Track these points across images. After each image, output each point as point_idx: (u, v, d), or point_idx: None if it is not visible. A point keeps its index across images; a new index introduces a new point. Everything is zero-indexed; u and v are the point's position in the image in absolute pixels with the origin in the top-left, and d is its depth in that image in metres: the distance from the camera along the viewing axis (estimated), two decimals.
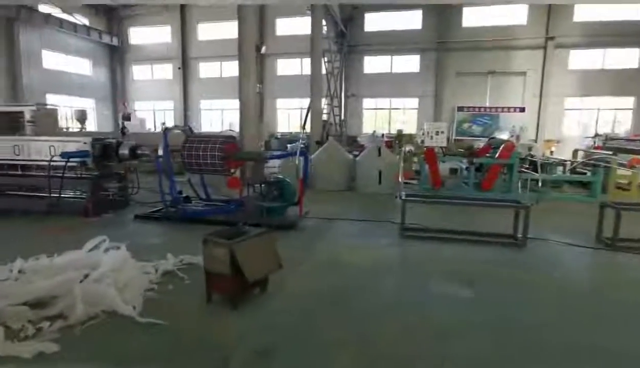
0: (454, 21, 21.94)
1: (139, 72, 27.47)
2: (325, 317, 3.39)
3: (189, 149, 6.20)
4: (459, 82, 22.36)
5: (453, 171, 10.54)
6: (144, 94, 27.42)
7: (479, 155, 9.76)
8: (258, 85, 9.72)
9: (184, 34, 25.82)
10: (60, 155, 6.32)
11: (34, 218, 6.49)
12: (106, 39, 25.62)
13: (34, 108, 10.48)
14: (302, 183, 6.13)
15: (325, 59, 20.47)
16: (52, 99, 22.72)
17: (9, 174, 7.14)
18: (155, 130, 21.97)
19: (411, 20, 22.56)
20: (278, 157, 6.73)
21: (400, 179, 7.70)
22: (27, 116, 10.22)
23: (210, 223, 5.91)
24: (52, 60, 23.05)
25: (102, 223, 6.34)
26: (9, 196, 7.24)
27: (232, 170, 6.31)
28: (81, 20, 23.88)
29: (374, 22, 23.19)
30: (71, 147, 6.63)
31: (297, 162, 6.01)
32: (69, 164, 6.47)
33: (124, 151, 6.74)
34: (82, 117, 20.26)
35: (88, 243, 4.24)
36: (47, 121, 10.64)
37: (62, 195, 6.55)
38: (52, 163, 6.58)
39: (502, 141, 9.85)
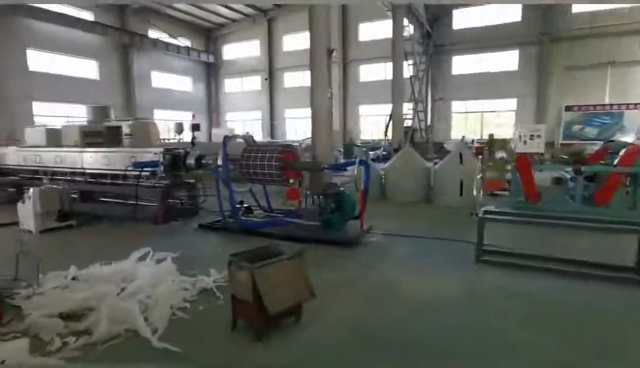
0: (560, 8, 19.23)
1: (230, 85, 29.44)
2: (364, 358, 2.81)
3: (247, 158, 6.07)
4: (567, 78, 19.51)
5: (557, 181, 8.92)
6: (235, 105, 29.26)
7: (589, 162, 8.08)
8: (330, 90, 9.40)
9: (271, 46, 26.94)
10: (133, 165, 6.68)
11: (115, 224, 6.96)
12: (204, 57, 27.94)
13: (130, 122, 11.62)
14: (362, 195, 5.57)
15: (409, 62, 19.50)
16: (158, 114, 25.44)
17: (100, 182, 7.81)
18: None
19: (508, 12, 20.40)
20: (337, 167, 6.27)
21: (476, 191, 6.63)
22: (125, 130, 11.38)
23: (267, 236, 5.73)
24: (159, 79, 25.84)
25: (168, 230, 6.53)
26: (101, 202, 7.97)
27: (291, 181, 6.00)
28: (184, 42, 26.40)
29: (464, 18, 21.51)
30: (147, 158, 6.99)
31: (355, 171, 5.48)
32: (143, 173, 6.85)
33: (190, 161, 6.91)
34: (179, 129, 22.15)
35: (134, 254, 4.25)
36: (142, 133, 11.77)
37: (138, 203, 6.97)
38: (130, 173, 7.08)
39: (624, 144, 8.01)
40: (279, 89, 27.48)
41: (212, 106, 29.74)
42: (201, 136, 27.22)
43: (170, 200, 7.06)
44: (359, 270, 4.64)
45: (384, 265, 4.81)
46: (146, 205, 7.22)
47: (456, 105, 22.72)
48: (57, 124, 13.95)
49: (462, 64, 21.96)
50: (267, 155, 5.91)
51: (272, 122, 27.90)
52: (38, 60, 19.49)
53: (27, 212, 6.43)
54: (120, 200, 7.66)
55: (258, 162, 5.97)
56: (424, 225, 6.73)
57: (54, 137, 11.48)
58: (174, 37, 25.51)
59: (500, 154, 11.21)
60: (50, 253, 5.46)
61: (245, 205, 6.96)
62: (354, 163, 5.55)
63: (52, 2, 19.46)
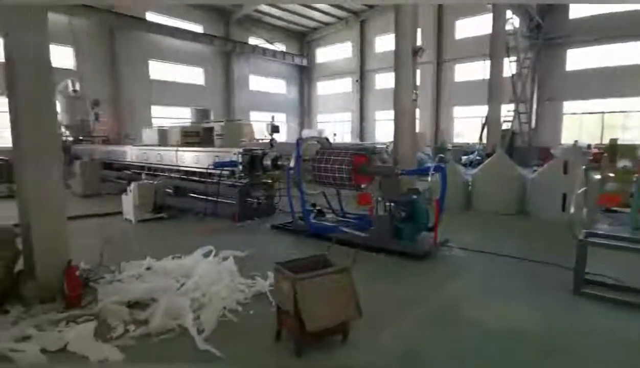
0: None
1: (322, 88, 30.02)
2: None
3: (318, 161, 5.98)
4: None
5: None
6: (325, 106, 29.76)
7: None
8: (415, 92, 8.91)
9: (363, 48, 26.79)
10: (213, 165, 7.05)
11: (199, 218, 7.45)
12: (297, 61, 28.92)
13: (222, 124, 12.45)
14: (438, 205, 5.07)
15: (512, 59, 17.69)
16: (254, 115, 27.04)
17: (189, 179, 8.45)
18: (334, 141, 23.44)
19: None
20: (412, 173, 5.81)
21: (574, 208, 5.57)
22: (217, 130, 12.23)
23: (339, 243, 5.60)
24: (256, 83, 27.48)
25: (243, 229, 6.76)
26: (191, 198, 8.61)
27: (363, 186, 5.76)
28: (279, 47, 27.67)
29: (584, 6, 18.74)
30: (228, 158, 7.35)
31: (429, 179, 5.00)
32: (225, 172, 7.21)
33: (267, 162, 7.06)
34: (274, 129, 23.33)
35: (198, 251, 4.42)
36: (232, 134, 12.55)
37: (219, 200, 7.36)
38: (214, 171, 7.51)
39: None
40: (369, 91, 27.21)
41: (304, 108, 30.68)
42: (291, 137, 28.27)
43: (249, 199, 7.29)
44: (425, 287, 4.21)
45: (455, 284, 4.30)
46: (227, 202, 7.58)
47: (568, 106, 19.95)
48: (167, 124, 15.69)
49: (579, 59, 19.18)
50: (339, 158, 5.75)
51: (362, 123, 27.73)
52: (156, 69, 22.15)
53: (128, 203, 7.21)
54: (206, 197, 8.16)
55: (329, 165, 5.84)
56: (513, 242, 5.91)
57: (163, 137, 12.91)
58: (271, 43, 26.89)
59: (623, 163, 9.43)
60: (141, 241, 6.03)
61: (317, 208, 6.89)
62: (427, 169, 5.07)
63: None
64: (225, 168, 7.11)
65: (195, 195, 8.46)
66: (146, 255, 4.75)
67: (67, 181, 11.52)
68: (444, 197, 5.18)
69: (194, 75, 23.95)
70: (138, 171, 10.41)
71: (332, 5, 25.00)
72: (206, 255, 4.53)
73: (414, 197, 5.26)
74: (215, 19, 24.25)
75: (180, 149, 9.03)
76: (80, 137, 14.38)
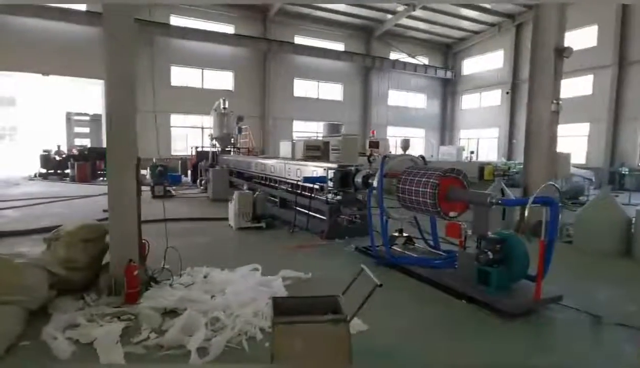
0: None
1: (467, 101, 27.71)
2: None
3: (403, 181, 5.28)
4: None
5: None
6: (469, 122, 27.33)
7: None
8: (556, 102, 7.36)
9: (517, 55, 23.73)
10: (302, 180, 7.00)
11: (289, 231, 7.50)
12: (440, 73, 27.44)
13: (339, 138, 12.53)
14: (543, 247, 3.84)
15: None
16: (391, 130, 26.73)
17: (293, 191, 8.64)
18: (472, 159, 21.31)
19: None
20: (512, 203, 4.51)
21: None
22: (333, 145, 12.36)
23: (417, 277, 4.90)
24: (395, 97, 27.13)
25: (327, 248, 6.48)
26: (293, 210, 8.81)
27: (451, 214, 4.84)
28: (421, 61, 26.76)
29: None
30: (318, 173, 7.24)
31: (526, 212, 3.82)
32: (320, 188, 7.11)
33: (358, 179, 6.65)
34: (405, 145, 22.53)
35: (240, 269, 4.34)
36: (349, 148, 12.50)
37: (310, 215, 7.33)
38: (312, 186, 7.52)
39: None
40: (522, 103, 23.80)
41: (446, 123, 28.83)
42: (429, 153, 26.80)
43: (342, 217, 7.03)
44: (503, 359, 3.18)
45: (548, 363, 3.12)
46: (321, 218, 7.47)
47: None
48: (304, 138, 16.79)
49: None
50: (423, 180, 4.96)
51: (511, 140, 24.44)
52: (299, 87, 24.00)
53: (231, 211, 7.77)
54: (304, 211, 8.21)
55: (413, 187, 5.10)
56: None
57: (293, 150, 13.79)
58: (413, 57, 26.19)
59: None
60: (226, 248, 6.36)
61: (405, 234, 6.13)
62: (534, 201, 3.88)
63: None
64: (314, 183, 6.99)
65: (298, 209, 8.63)
66: (219, 263, 5.02)
67: (204, 187, 13.32)
68: (553, 237, 3.90)
69: (333, 91, 25.09)
70: (258, 181, 11.25)
71: (484, 12, 22.90)
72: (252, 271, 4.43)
73: (509, 233, 4.11)
74: (357, 36, 24.95)
75: (288, 162, 9.33)
76: (227, 148, 16.48)
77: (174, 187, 14.28)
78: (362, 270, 2.73)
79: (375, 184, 5.68)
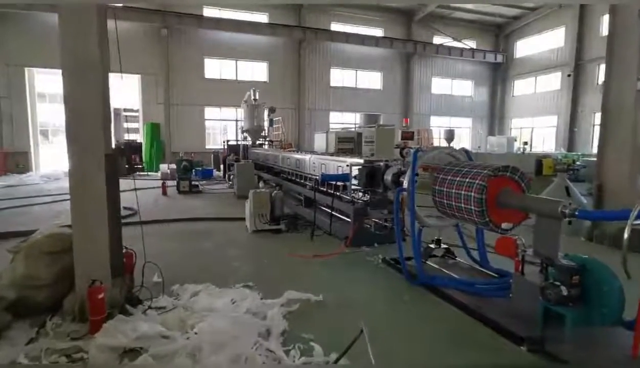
0: None
1: (520, 87, 25.32)
2: None
3: (440, 182, 4.19)
4: None
5: None
6: (523, 109, 24.94)
7: None
8: None
9: (581, 33, 21.10)
10: (321, 178, 6.08)
11: (316, 235, 6.61)
12: (490, 57, 25.19)
13: (373, 129, 11.37)
14: None
15: None
16: (435, 121, 25.06)
17: (318, 189, 7.71)
18: (525, 151, 19.20)
19: None
20: (601, 217, 3.26)
21: None
22: (365, 137, 11.23)
23: (454, 303, 3.87)
24: (439, 85, 25.31)
25: (349, 257, 5.53)
26: (319, 210, 7.90)
27: (503, 225, 3.69)
28: (468, 44, 24.67)
29: None
30: (341, 170, 6.28)
31: (627, 233, 2.62)
32: (345, 187, 6.18)
33: (388, 177, 5.60)
34: (449, 136, 20.93)
35: (234, 289, 3.49)
36: (384, 140, 11.30)
37: (333, 216, 6.49)
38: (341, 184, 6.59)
39: None
40: (586, 87, 21.23)
41: (495, 111, 26.55)
42: (477, 144, 24.79)
43: (373, 220, 6.06)
44: None
45: None
46: (347, 221, 6.54)
47: None
48: (339, 129, 15.81)
49: None
50: (467, 181, 3.85)
51: (572, 129, 21.92)
52: (336, 77, 22.91)
53: (247, 211, 7.00)
54: (330, 211, 7.29)
55: (454, 190, 4.00)
56: None
57: (327, 142, 12.87)
58: (459, 40, 24.20)
59: None
60: (231, 256, 5.60)
61: (444, 245, 5.03)
62: (624, 215, 2.67)
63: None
64: (335, 181, 6.06)
65: (323, 208, 7.71)
66: (219, 276, 4.36)
67: (230, 182, 12.74)
68: None
69: (371, 80, 23.77)
70: (285, 176, 10.46)
71: None
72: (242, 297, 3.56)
73: (590, 258, 2.93)
74: (397, 20, 23.42)
75: (312, 156, 8.43)
76: (259, 141, 15.85)
77: (203, 182, 13.90)
78: (361, 332, 1.74)
79: (405, 183, 4.63)
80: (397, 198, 4.66)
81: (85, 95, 3.40)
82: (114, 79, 3.81)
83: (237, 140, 16.35)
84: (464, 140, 25.32)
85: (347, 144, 11.77)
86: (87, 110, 3.41)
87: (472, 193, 3.73)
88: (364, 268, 5.07)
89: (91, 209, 3.46)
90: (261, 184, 8.35)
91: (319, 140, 13.90)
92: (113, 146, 3.90)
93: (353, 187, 6.06)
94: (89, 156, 3.43)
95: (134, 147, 18.18)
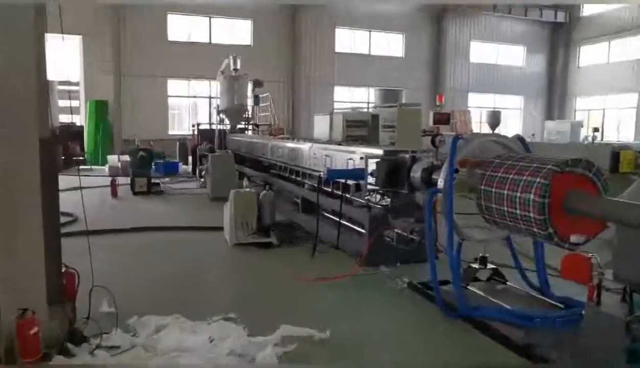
0: None
1: (588, 55, 25.37)
2: None
3: (487, 181, 4.18)
4: None
5: None
6: (592, 85, 24.99)
7: None
8: None
9: None
10: (326, 175, 6.12)
11: (310, 252, 6.62)
12: (548, 15, 25.19)
13: (393, 110, 11.34)
14: None
15: None
16: (474, 99, 25.19)
17: (321, 189, 7.71)
18: (596, 140, 19.25)
19: None
20: None
21: None
22: (384, 119, 11.20)
23: (512, 348, 3.84)
24: (479, 53, 25.39)
25: (365, 281, 5.55)
26: (322, 217, 7.92)
27: (576, 239, 3.69)
28: None
29: None
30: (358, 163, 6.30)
31: None
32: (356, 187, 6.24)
33: (416, 174, 5.60)
34: (494, 120, 20.99)
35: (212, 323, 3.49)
36: (409, 124, 11.26)
37: (342, 224, 6.64)
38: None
39: None
40: None
41: (555, 87, 26.60)
42: (530, 129, 24.85)
43: (395, 231, 6.03)
44: None
45: None
46: (359, 232, 6.61)
47: None
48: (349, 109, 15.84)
49: None
50: (524, 178, 3.84)
51: None
52: (342, 41, 22.95)
53: (227, 219, 7.01)
54: (336, 218, 7.30)
55: (505, 191, 4.00)
56: None
57: (330, 127, 12.87)
58: None
59: None
60: (209, 278, 5.61)
61: (491, 265, 5.04)
62: None
63: None
64: (345, 179, 6.10)
65: (328, 215, 7.74)
66: (189, 305, 4.39)
67: (203, 179, 12.75)
68: None
69: (390, 44, 23.84)
70: (276, 172, 10.49)
71: None
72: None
73: None
74: None
75: (313, 145, 8.49)
76: (241, 125, 15.89)
77: (166, 180, 13.92)
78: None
79: (440, 181, 4.62)
80: (428, 202, 4.67)
81: (12, 61, 3.38)
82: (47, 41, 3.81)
83: (211, 124, 16.41)
84: (512, 126, 25.37)
85: (359, 129, 11.74)
86: (14, 81, 3.38)
87: (531, 196, 3.72)
88: (384, 295, 5.13)
89: (20, 214, 3.44)
90: (245, 183, 8.33)
91: (321, 125, 13.88)
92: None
93: (369, 186, 6.05)
94: (16, 142, 3.40)
95: (73, 133, 18.18)
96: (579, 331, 3.67)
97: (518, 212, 3.87)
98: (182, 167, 16.88)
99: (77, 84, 20.31)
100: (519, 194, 3.85)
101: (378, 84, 22.07)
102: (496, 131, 19.28)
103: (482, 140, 4.90)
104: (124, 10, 19.17)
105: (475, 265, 5.01)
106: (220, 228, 7.42)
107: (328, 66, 22.43)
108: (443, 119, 7.46)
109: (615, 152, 9.21)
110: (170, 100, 20.93)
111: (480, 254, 5.00)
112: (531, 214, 3.74)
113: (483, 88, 25.30)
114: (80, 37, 19.04)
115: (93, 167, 18.00)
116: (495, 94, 25.61)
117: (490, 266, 5.04)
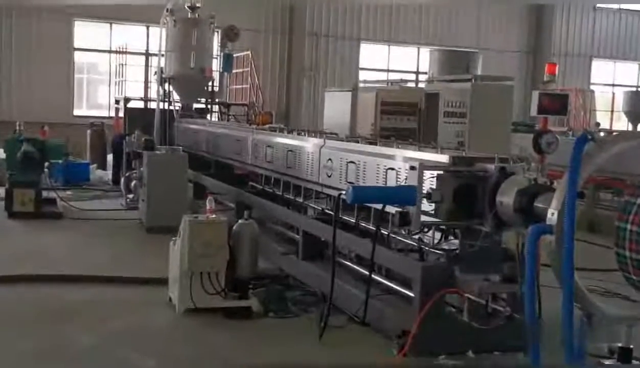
0: None
1: None
2: None
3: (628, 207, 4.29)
4: None
5: None
6: None
7: None
8: None
9: None
10: (349, 198, 6.24)
11: (318, 327, 6.73)
12: None
13: (465, 86, 11.50)
14: None
15: None
16: (600, 70, 25.48)
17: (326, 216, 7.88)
18: None
19: None
20: None
21: None
22: (445, 101, 11.38)
23: None
24: None
25: None
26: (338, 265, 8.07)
27: None
28: None
29: None
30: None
31: None
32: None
33: (505, 199, 5.69)
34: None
35: None
36: (491, 111, 11.45)
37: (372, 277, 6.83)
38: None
39: None
40: None
41: None
42: None
43: (466, 296, 6.33)
44: None
45: None
46: (403, 296, 6.87)
47: None
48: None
49: None
50: None
51: None
52: None
53: (173, 265, 7.12)
54: (361, 269, 7.64)
55: None
56: None
57: (353, 113, 13.15)
58: None
59: None
60: None
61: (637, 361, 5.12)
62: None
63: None
64: (383, 204, 6.24)
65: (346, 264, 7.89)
66: None
67: (132, 194, 12.90)
68: None
69: None
70: (258, 189, 10.63)
71: None
72: None
73: None
74: None
75: (327, 142, 8.68)
76: (199, 105, 16.11)
77: (68, 193, 14.09)
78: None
79: (551, 213, 4.68)
80: (530, 249, 4.73)
81: None
82: None
83: (148, 101, 16.64)
84: None
85: (403, 117, 12.01)
86: None
87: None
88: None
89: None
90: (209, 204, 8.40)
91: (336, 108, 14.19)
92: None
93: (423, 218, 6.19)
94: None
95: None
96: None
97: None
98: (96, 172, 17.11)
99: None
100: None
101: (435, 43, 22.27)
102: None
103: (630, 145, 4.94)
104: None
105: (608, 362, 5.07)
106: (163, 281, 7.57)
107: (348, 10, 22.65)
108: (557, 104, 7.29)
109: None
110: (78, 57, 21.20)
111: (620, 343, 5.06)
112: None
113: (615, 53, 25.58)
114: None
115: None
116: (636, 62, 25.95)
117: (635, 363, 5.09)
